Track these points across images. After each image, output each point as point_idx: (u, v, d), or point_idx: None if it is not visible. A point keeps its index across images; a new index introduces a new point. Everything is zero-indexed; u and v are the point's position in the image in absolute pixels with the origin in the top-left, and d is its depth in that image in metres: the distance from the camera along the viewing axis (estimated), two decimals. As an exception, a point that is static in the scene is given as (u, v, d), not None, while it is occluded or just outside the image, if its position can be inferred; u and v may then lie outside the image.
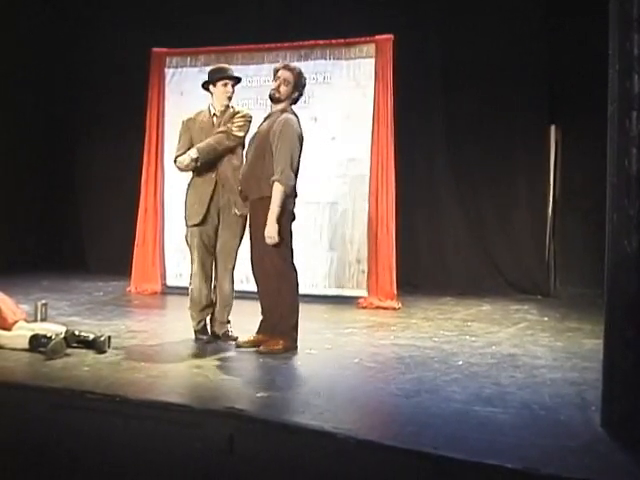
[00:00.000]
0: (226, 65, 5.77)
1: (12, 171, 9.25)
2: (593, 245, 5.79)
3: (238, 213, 5.32)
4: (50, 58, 9.65)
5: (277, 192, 4.96)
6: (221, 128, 5.35)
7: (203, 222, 5.35)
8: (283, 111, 5.17)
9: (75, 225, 9.79)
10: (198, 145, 5.29)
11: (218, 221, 5.38)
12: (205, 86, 5.51)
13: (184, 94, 8.08)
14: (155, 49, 8.38)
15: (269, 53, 7.97)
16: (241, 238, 5.42)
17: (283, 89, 5.16)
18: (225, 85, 5.41)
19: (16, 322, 5.13)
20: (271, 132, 5.06)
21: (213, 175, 5.35)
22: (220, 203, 5.35)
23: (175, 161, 5.45)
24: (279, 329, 5.09)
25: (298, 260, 7.64)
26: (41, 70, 9.62)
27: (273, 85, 5.20)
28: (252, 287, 5.36)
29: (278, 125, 5.05)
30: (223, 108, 5.43)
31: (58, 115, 9.81)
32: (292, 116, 5.16)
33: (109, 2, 9.29)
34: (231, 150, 5.37)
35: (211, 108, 5.47)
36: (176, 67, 8.34)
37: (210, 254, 5.42)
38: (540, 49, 8.04)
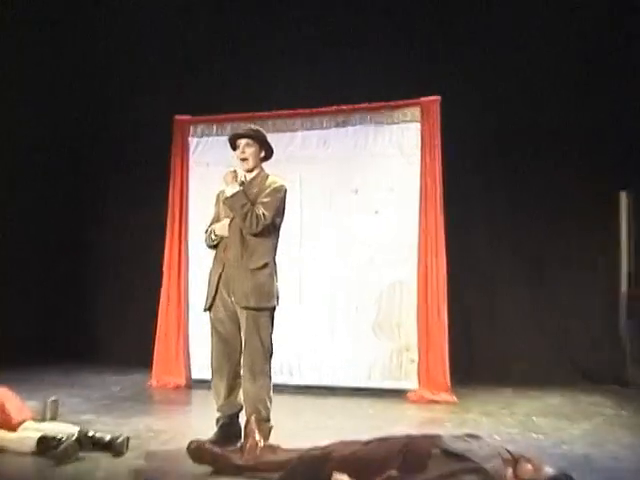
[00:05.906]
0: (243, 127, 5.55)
1: (22, 251, 9.41)
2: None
3: (234, 300, 5.13)
4: (70, 125, 9.89)
5: None
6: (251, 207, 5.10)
7: (213, 307, 5.25)
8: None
9: (90, 311, 9.84)
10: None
11: (234, 309, 5.19)
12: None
13: (210, 165, 8.09)
14: (178, 116, 8.47)
15: (304, 119, 8.06)
16: (261, 334, 5.07)
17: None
18: (236, 149, 5.32)
19: (22, 422, 5.10)
20: None
21: (222, 254, 5.24)
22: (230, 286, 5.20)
23: (206, 232, 5.37)
24: None
25: (340, 348, 7.63)
26: (63, 139, 9.87)
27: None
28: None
29: None
30: (249, 174, 5.28)
31: (75, 189, 10.01)
32: None
33: (135, 68, 9.47)
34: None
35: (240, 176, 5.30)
36: (201, 136, 8.41)
37: (226, 345, 5.21)
38: (605, 112, 8.03)
